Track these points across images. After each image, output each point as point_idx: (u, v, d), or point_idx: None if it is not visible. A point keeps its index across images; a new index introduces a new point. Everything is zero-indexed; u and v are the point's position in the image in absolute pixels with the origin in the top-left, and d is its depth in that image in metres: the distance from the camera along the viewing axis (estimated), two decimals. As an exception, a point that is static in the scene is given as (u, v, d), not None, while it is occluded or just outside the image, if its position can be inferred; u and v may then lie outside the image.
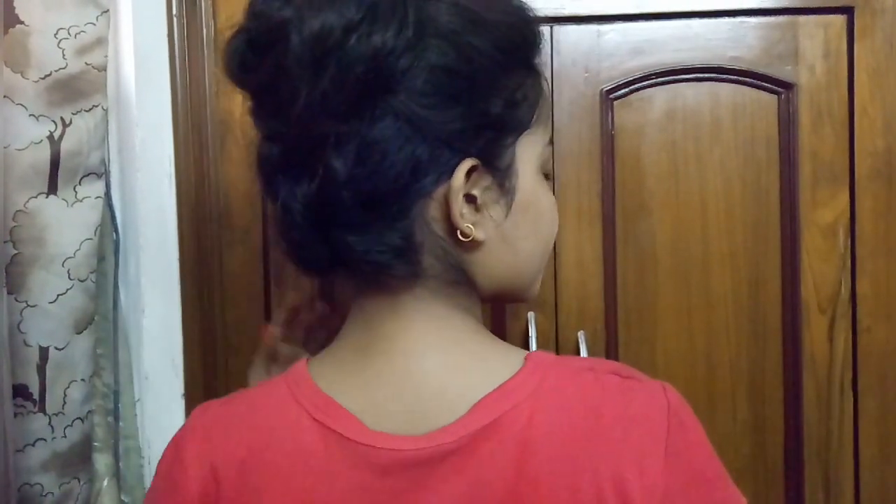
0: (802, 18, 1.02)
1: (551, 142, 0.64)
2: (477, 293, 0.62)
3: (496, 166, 0.58)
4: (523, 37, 0.60)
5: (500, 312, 1.04)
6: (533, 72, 0.62)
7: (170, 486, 0.60)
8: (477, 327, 0.61)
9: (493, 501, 0.54)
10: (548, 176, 0.65)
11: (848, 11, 1.02)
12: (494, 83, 0.58)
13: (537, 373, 0.57)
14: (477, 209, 0.58)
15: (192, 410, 0.63)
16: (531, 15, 0.61)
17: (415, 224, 0.57)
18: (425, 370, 0.58)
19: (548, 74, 1.03)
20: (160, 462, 0.62)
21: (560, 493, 0.54)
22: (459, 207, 0.56)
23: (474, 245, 0.58)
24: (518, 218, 0.60)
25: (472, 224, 0.57)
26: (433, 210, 0.57)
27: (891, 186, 1.02)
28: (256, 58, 0.58)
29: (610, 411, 0.56)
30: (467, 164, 0.56)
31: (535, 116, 0.61)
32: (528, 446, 0.55)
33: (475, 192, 0.58)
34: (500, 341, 0.62)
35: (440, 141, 0.56)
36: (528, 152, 0.61)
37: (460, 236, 0.57)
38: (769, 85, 1.03)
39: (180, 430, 0.62)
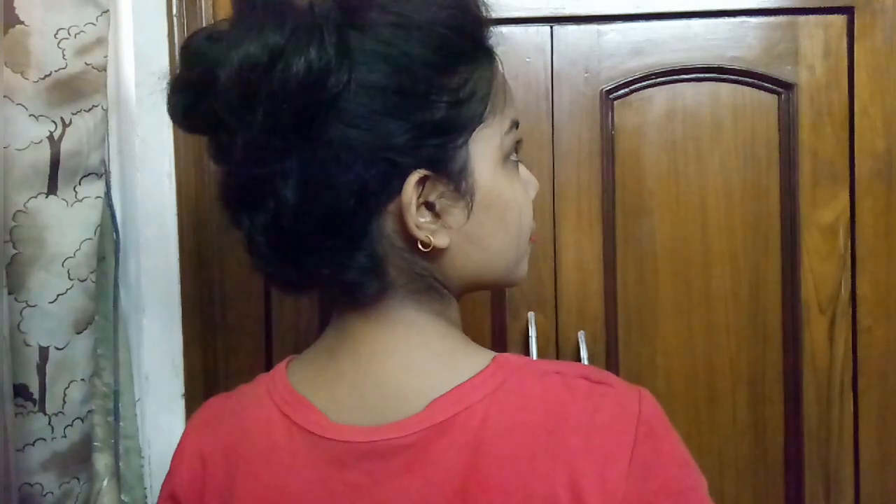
0: (802, 18, 1.02)
1: (516, 125, 0.62)
2: (451, 294, 0.62)
3: (448, 171, 0.57)
4: (461, 30, 0.58)
5: (500, 312, 1.04)
6: (482, 62, 0.60)
7: (169, 472, 0.66)
8: (447, 330, 0.61)
9: (443, 501, 0.54)
10: (519, 154, 0.64)
11: (848, 11, 1.02)
12: (433, 88, 0.56)
13: (499, 375, 0.57)
14: (436, 216, 0.58)
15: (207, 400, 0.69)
16: (471, 3, 0.59)
17: (375, 241, 0.57)
18: (386, 370, 0.58)
19: (548, 74, 1.03)
20: None
21: (511, 496, 0.53)
22: (414, 219, 0.56)
23: (437, 252, 0.58)
24: (482, 216, 0.59)
25: (431, 233, 0.57)
26: (391, 224, 0.57)
27: (891, 186, 1.02)
28: (195, 103, 0.58)
29: (573, 416, 0.54)
30: (414, 177, 0.56)
31: (487, 108, 0.59)
32: (480, 447, 0.54)
33: (432, 199, 0.57)
34: (472, 344, 0.61)
35: (383, 159, 0.55)
36: (484, 146, 0.59)
37: (420, 246, 0.57)
38: (769, 85, 1.03)
39: (189, 421, 0.68)
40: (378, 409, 0.58)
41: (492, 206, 0.60)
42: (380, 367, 0.59)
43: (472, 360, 0.59)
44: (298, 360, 0.64)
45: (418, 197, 0.56)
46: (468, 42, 0.59)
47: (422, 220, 0.57)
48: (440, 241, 0.57)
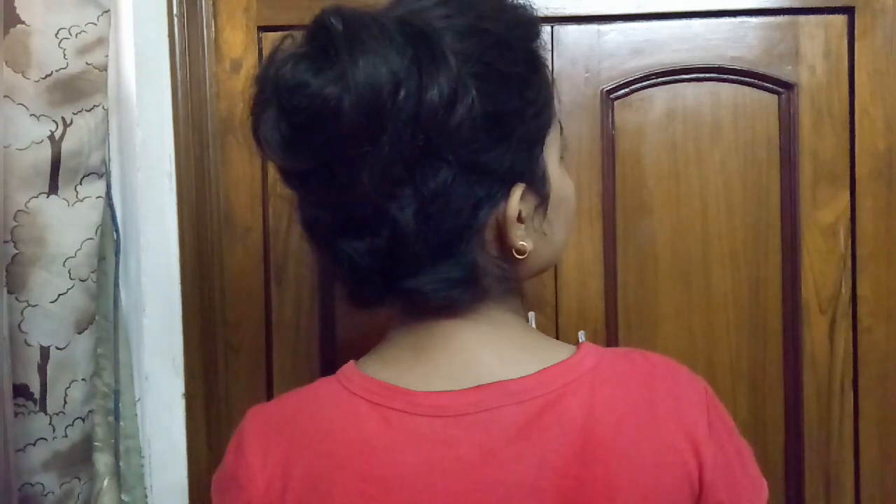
0: (803, 18, 1.02)
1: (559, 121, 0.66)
2: (520, 289, 0.65)
3: (536, 180, 0.61)
4: (537, 41, 0.62)
5: (500, 312, 1.04)
6: (542, 66, 0.63)
7: (238, 486, 0.61)
8: (527, 326, 0.65)
9: (562, 463, 0.57)
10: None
11: (848, 11, 1.02)
12: (526, 103, 0.59)
13: (592, 356, 0.61)
14: (522, 221, 0.60)
15: (248, 411, 0.65)
16: (530, 10, 0.62)
17: (476, 254, 0.59)
18: (482, 362, 0.60)
19: (548, 74, 1.03)
20: (224, 463, 0.63)
21: (626, 453, 0.57)
22: (515, 231, 0.59)
23: (524, 254, 0.61)
24: (552, 215, 0.63)
25: (523, 239, 0.60)
26: (487, 235, 0.60)
27: (891, 187, 1.02)
28: (299, 137, 0.56)
29: (661, 386, 0.60)
30: (518, 190, 0.59)
31: (552, 112, 0.63)
32: (592, 414, 0.58)
33: (520, 208, 0.60)
34: (549, 338, 0.65)
35: (495, 179, 0.58)
36: (552, 149, 0.63)
37: (515, 254, 0.60)
38: (770, 85, 1.03)
39: (239, 430, 0.63)
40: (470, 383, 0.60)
41: (559, 204, 0.64)
42: (476, 360, 0.60)
43: (557, 350, 0.62)
44: (371, 360, 0.64)
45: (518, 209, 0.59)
46: (539, 52, 0.62)
47: (518, 231, 0.60)
48: (530, 244, 0.60)
